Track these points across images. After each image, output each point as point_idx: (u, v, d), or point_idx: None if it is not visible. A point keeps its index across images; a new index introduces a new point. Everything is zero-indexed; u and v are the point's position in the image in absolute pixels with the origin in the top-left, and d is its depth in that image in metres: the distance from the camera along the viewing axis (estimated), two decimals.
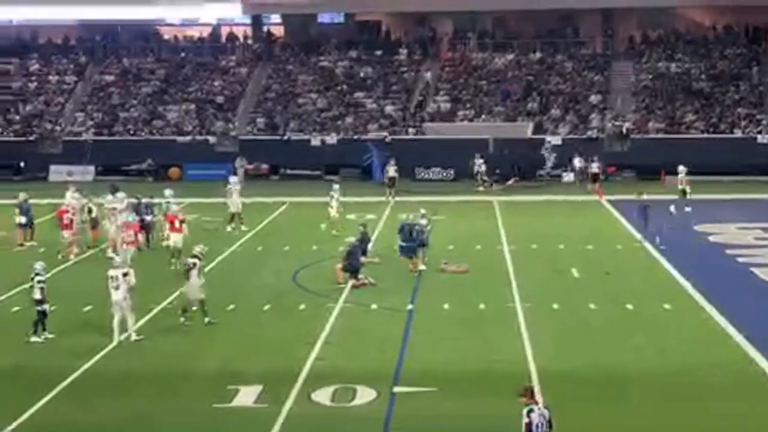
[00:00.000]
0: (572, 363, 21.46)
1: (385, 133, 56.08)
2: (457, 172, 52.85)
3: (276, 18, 68.82)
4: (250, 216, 38.94)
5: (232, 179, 40.29)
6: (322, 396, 19.35)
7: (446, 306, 26.30)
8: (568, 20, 63.99)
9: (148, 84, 62.26)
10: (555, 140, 54.15)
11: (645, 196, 36.07)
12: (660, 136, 54.68)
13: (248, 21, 67.93)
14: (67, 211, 33.20)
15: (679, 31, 63.35)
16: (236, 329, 24.39)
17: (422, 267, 30.32)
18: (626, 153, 54.17)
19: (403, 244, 30.30)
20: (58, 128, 59.08)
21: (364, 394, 19.39)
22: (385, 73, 61.57)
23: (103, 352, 22.38)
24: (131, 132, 58.47)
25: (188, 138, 57.37)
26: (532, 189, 50.12)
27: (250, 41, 66.99)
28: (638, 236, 35.66)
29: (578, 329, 24.18)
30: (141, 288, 24.28)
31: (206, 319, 24.42)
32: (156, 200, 35.70)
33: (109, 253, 32.91)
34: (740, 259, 31.35)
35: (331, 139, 56.29)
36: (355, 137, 56.09)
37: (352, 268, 28.62)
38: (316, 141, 56.28)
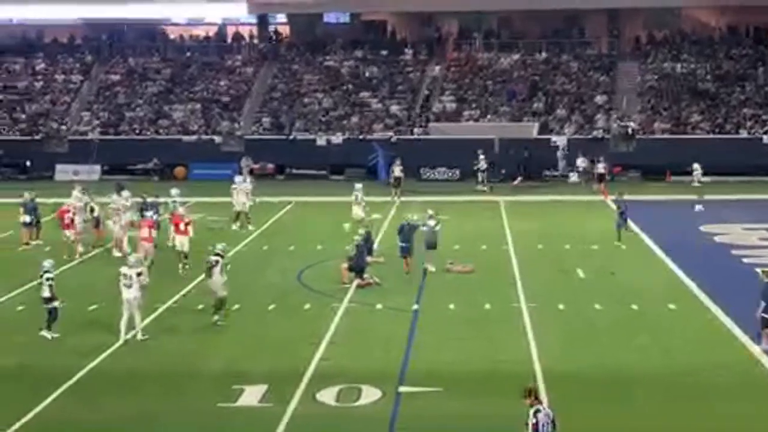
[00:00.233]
0: (577, 363, 21.46)
1: (390, 133, 56.08)
2: (462, 172, 52.82)
3: (282, 18, 68.87)
4: (255, 215, 38.98)
5: (238, 179, 40.43)
6: (327, 396, 19.36)
7: (451, 306, 26.30)
8: (573, 20, 63.96)
9: (154, 83, 62.32)
10: (561, 140, 54.13)
11: (626, 197, 36.51)
12: (665, 136, 54.63)
13: (254, 20, 67.97)
14: (68, 211, 33.21)
15: (684, 32, 63.31)
16: (241, 329, 24.40)
17: (432, 268, 30.30)
18: (632, 153, 54.11)
19: (403, 244, 30.26)
20: (64, 127, 59.13)
21: (369, 394, 19.39)
22: (390, 72, 61.58)
23: (108, 351, 22.41)
24: (137, 131, 58.53)
25: (194, 137, 57.41)
26: (538, 189, 50.09)
27: (255, 41, 67.01)
28: (642, 234, 35.75)
29: (584, 329, 24.17)
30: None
31: (215, 318, 24.43)
32: (161, 199, 35.71)
33: (115, 252, 33.02)
34: (746, 260, 31.30)
35: (337, 138, 56.31)
36: (361, 137, 56.10)
37: (358, 268, 28.62)
38: (321, 141, 56.30)
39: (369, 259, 29.63)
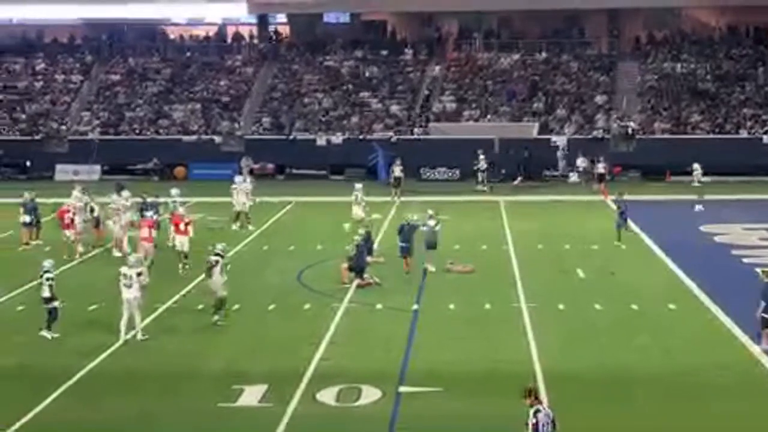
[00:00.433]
0: (577, 363, 21.46)
1: (390, 133, 56.08)
2: (462, 172, 52.82)
3: (282, 18, 68.87)
4: (255, 215, 38.99)
5: (238, 179, 40.47)
6: (327, 396, 19.35)
7: (452, 306, 26.30)
8: (573, 20, 63.96)
9: (154, 83, 62.32)
10: (560, 140, 54.13)
11: (626, 197, 36.66)
12: (665, 136, 54.65)
13: (254, 20, 67.95)
14: (67, 211, 33.20)
15: (684, 32, 63.33)
16: (241, 329, 24.39)
17: (432, 268, 30.31)
18: (632, 153, 54.11)
19: (403, 244, 30.25)
20: (64, 127, 59.13)
21: (369, 394, 19.39)
22: (390, 72, 61.58)
23: (108, 351, 22.41)
24: (137, 131, 58.53)
25: (194, 137, 57.42)
26: (538, 189, 50.09)
27: (255, 41, 67.01)
28: (642, 234, 35.80)
29: (583, 329, 24.17)
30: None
31: (215, 318, 24.43)
32: (161, 199, 35.70)
33: (115, 252, 33.02)
34: (745, 260, 31.30)
35: (337, 138, 56.31)
36: (361, 137, 56.10)
37: (358, 268, 28.63)
38: (321, 141, 56.30)
39: (369, 259, 29.63)
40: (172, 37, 68.96)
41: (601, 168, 48.58)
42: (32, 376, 20.94)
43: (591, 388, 19.81)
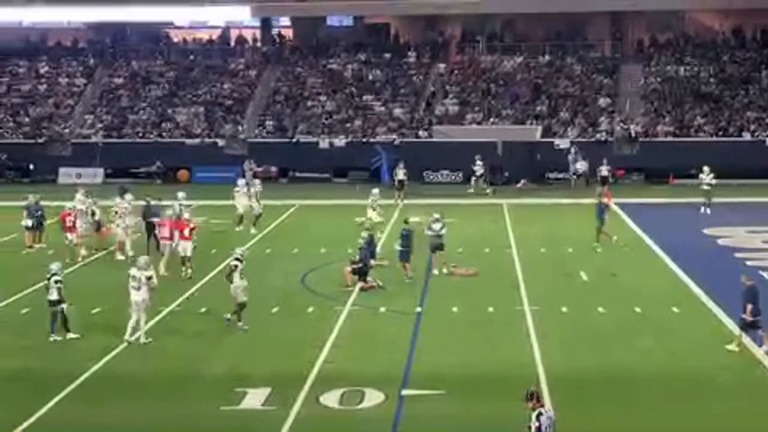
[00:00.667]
0: (580, 366, 21.46)
1: (394, 136, 56.10)
2: (465, 175, 52.80)
3: (285, 21, 68.94)
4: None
5: (240, 182, 40.56)
6: (331, 399, 19.36)
7: (455, 309, 26.30)
8: (577, 23, 63.89)
9: (157, 86, 62.38)
10: (563, 143, 54.09)
11: (604, 200, 36.54)
12: (669, 139, 54.63)
13: (257, 24, 68.00)
14: (69, 214, 33.21)
15: (688, 35, 63.31)
16: (244, 332, 24.36)
17: (435, 271, 30.35)
18: (635, 156, 54.09)
19: (402, 249, 30.19)
20: (67, 131, 59.19)
21: (373, 397, 19.39)
22: (393, 75, 61.60)
23: (112, 354, 22.44)
24: (140, 134, 58.56)
25: (197, 140, 57.45)
26: (541, 192, 50.05)
27: (259, 44, 67.06)
28: (645, 237, 35.87)
29: (586, 332, 24.16)
30: None
31: (239, 323, 24.36)
32: (164, 202, 35.69)
33: (118, 255, 33.05)
34: (749, 263, 31.25)
35: (340, 141, 56.33)
36: (364, 140, 56.12)
37: (361, 271, 28.63)
38: (324, 144, 56.32)
39: (372, 262, 29.62)
40: (175, 40, 69.01)
41: (604, 171, 48.56)
42: (36, 378, 20.97)
43: (594, 391, 19.82)
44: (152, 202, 34.89)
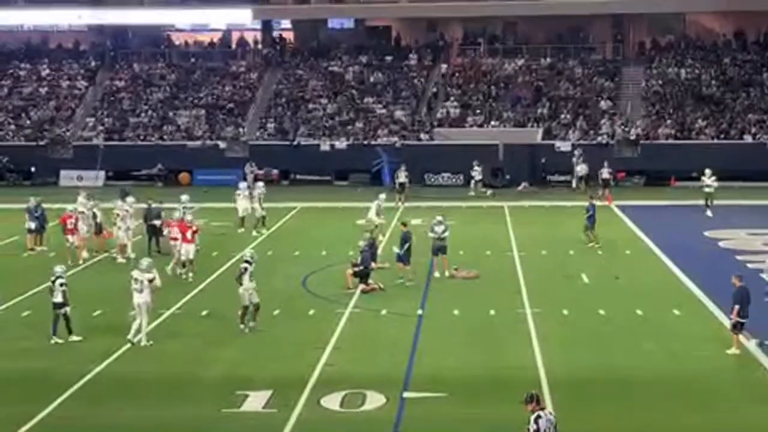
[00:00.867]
0: (582, 368, 21.46)
1: (395, 139, 56.10)
2: (466, 178, 52.82)
3: (286, 23, 68.98)
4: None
5: (242, 185, 40.61)
6: (332, 401, 19.37)
7: (456, 311, 26.30)
8: (578, 26, 63.89)
9: (159, 89, 62.40)
10: (564, 146, 54.08)
11: (596, 202, 36.64)
12: (670, 141, 54.62)
13: (258, 26, 68.03)
14: (70, 217, 33.22)
15: (689, 37, 63.27)
16: (246, 334, 24.37)
17: (437, 274, 30.37)
18: (636, 159, 54.09)
19: (399, 252, 30.13)
20: (68, 133, 59.21)
21: (374, 400, 19.40)
22: (395, 78, 61.60)
23: (113, 356, 22.45)
24: (141, 137, 58.56)
25: (198, 143, 57.45)
26: (542, 195, 50.03)
27: (260, 46, 67.07)
28: (646, 239, 35.91)
29: (588, 335, 24.16)
30: None
31: (251, 324, 24.38)
32: (165, 205, 35.71)
33: (119, 258, 33.06)
34: (750, 265, 31.23)
35: (341, 144, 56.33)
36: (365, 142, 56.12)
37: (363, 273, 28.64)
38: (325, 146, 56.31)
39: (374, 264, 29.62)
40: (176, 43, 69.02)
41: (605, 173, 48.56)
42: (38, 380, 20.98)
43: (595, 393, 19.82)
44: (153, 205, 34.91)
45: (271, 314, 26.12)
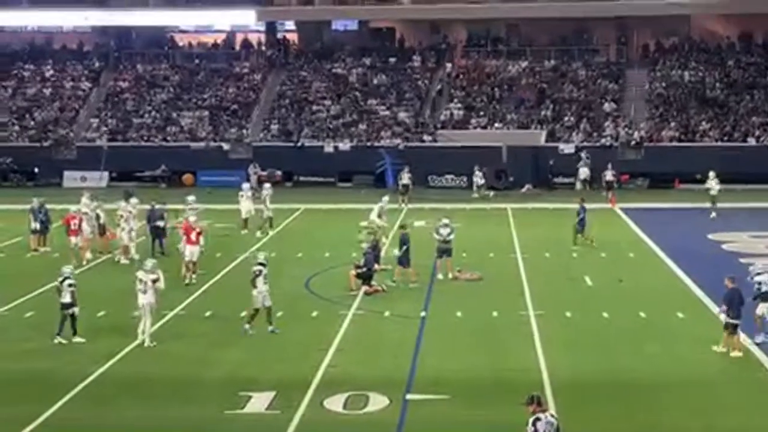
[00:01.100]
0: (585, 371, 21.45)
1: (398, 140, 56.12)
2: (470, 180, 52.83)
3: (290, 25, 69.04)
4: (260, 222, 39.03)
5: (245, 186, 40.66)
6: (335, 403, 19.37)
7: (459, 314, 26.30)
8: (582, 28, 63.90)
9: (162, 90, 62.46)
10: (568, 148, 54.06)
11: (586, 205, 36.58)
12: (674, 144, 54.60)
13: (262, 28, 68.10)
14: (74, 218, 33.25)
15: (693, 40, 63.25)
16: (249, 336, 24.38)
17: (440, 275, 30.39)
18: (639, 161, 54.09)
19: (399, 254, 30.13)
20: (72, 134, 59.26)
21: (377, 401, 19.40)
22: (398, 80, 61.63)
23: (117, 357, 22.47)
24: (145, 138, 58.61)
25: (202, 144, 57.49)
26: (545, 197, 50.03)
27: (264, 48, 67.10)
28: (649, 242, 35.93)
29: (591, 337, 24.15)
30: None
31: (269, 327, 24.39)
32: (168, 206, 35.73)
33: (122, 259, 33.08)
34: (753, 269, 31.16)
35: (345, 145, 56.35)
36: (369, 144, 56.14)
37: (366, 275, 28.65)
38: (329, 148, 56.33)
39: (377, 266, 29.62)
40: (180, 44, 69.07)
41: (609, 176, 48.56)
42: (42, 380, 21.00)
43: (598, 396, 19.81)
44: (157, 206, 34.93)
45: (274, 316, 26.13)
